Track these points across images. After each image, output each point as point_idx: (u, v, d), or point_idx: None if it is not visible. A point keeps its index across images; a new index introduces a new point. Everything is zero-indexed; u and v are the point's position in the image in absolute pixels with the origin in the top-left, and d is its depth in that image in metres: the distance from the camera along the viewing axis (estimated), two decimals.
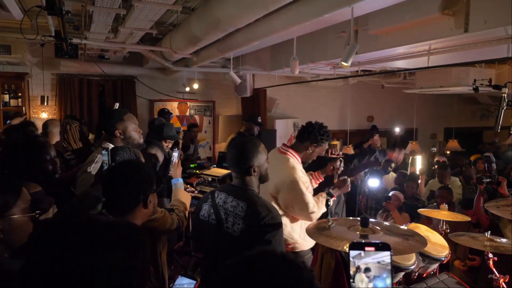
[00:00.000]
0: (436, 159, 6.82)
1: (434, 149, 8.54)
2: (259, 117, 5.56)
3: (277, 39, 4.06)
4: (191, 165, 5.83)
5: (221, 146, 7.17)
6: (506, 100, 2.07)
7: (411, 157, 7.13)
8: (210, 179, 4.79)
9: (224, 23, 3.07)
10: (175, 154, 2.63)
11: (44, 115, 6.06)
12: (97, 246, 0.82)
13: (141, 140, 2.62)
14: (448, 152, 8.23)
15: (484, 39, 3.25)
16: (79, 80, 6.36)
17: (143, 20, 3.75)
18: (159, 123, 3.56)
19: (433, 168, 6.58)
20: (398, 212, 4.15)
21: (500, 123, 2.07)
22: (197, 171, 5.19)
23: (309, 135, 2.57)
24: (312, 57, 4.62)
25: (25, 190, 1.31)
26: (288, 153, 2.58)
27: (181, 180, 2.53)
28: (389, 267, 1.03)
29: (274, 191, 2.46)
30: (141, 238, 0.93)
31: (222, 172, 4.80)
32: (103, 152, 2.06)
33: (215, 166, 5.17)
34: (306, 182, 2.52)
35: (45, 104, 6.11)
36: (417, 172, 6.47)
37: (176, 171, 2.54)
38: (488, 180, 3.71)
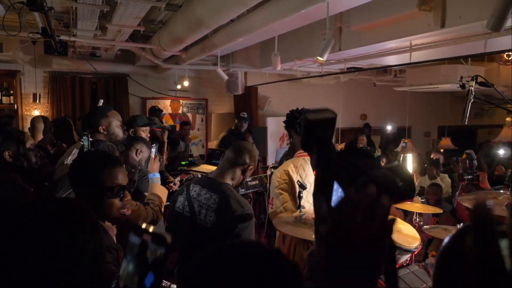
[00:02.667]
0: (431, 156, 6.86)
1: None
2: (242, 112, 5.64)
3: (262, 37, 4.10)
4: (182, 163, 5.86)
5: (214, 144, 7.21)
6: (473, 93, 2.11)
7: (402, 155, 7.17)
8: (199, 175, 4.83)
9: (205, 21, 3.12)
10: (153, 150, 2.69)
11: (36, 113, 6.11)
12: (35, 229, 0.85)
13: (124, 136, 2.69)
14: (442, 150, 8.27)
15: (462, 35, 3.29)
16: (71, 78, 6.40)
17: (129, 17, 3.79)
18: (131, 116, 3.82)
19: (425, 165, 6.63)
20: (393, 206, 4.18)
21: (467, 116, 2.11)
22: (187, 167, 5.23)
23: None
24: (299, 54, 4.66)
25: None
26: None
27: (158, 175, 2.57)
28: None
29: None
30: (80, 220, 0.96)
31: (211, 168, 4.83)
32: (84, 137, 2.13)
33: (204, 162, 5.23)
34: None
35: (37, 101, 6.15)
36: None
37: (153, 166, 2.58)
38: (469, 177, 3.75)
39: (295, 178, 2.49)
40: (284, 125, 2.63)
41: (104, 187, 1.64)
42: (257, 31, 3.28)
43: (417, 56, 4.04)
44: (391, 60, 4.85)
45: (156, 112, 6.24)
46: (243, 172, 2.10)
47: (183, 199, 2.10)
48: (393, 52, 4.11)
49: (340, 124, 8.54)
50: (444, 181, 5.63)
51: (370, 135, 8.56)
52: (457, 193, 4.29)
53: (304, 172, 2.51)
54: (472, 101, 2.11)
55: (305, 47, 4.61)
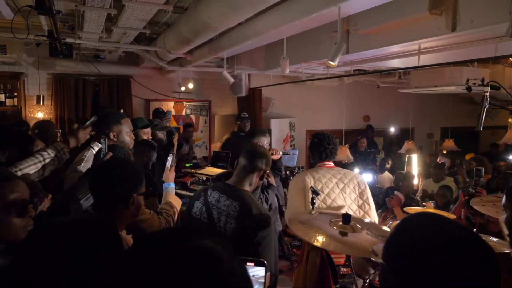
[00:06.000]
0: (437, 160, 6.83)
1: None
2: (243, 112, 5.65)
3: (269, 39, 4.08)
4: (186, 165, 5.85)
5: (217, 146, 7.19)
6: (489, 99, 2.09)
7: (407, 156, 7.16)
8: (204, 178, 4.81)
9: (212, 24, 3.10)
10: (169, 159, 2.68)
11: (40, 115, 6.09)
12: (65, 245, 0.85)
13: (132, 145, 2.71)
14: (444, 152, 8.25)
15: (472, 39, 3.27)
16: (75, 80, 6.38)
17: (136, 19, 3.77)
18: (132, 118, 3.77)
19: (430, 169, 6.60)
20: (400, 209, 4.17)
21: (482, 122, 2.09)
22: (192, 170, 5.21)
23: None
24: (305, 56, 4.64)
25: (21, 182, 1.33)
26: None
27: (172, 185, 2.56)
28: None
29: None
30: (107, 235, 0.96)
31: (216, 171, 4.82)
32: (102, 140, 2.13)
33: (209, 165, 5.20)
34: None
35: (41, 103, 6.13)
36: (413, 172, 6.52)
37: (168, 176, 2.57)
38: (473, 191, 3.76)
39: (309, 184, 2.50)
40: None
41: (120, 199, 1.63)
42: (265, 34, 3.26)
43: (425, 59, 4.02)
44: (398, 62, 4.83)
45: (160, 114, 6.23)
46: (261, 178, 2.11)
47: (201, 205, 2.07)
48: (401, 55, 4.10)
49: (343, 125, 8.53)
50: (449, 184, 5.59)
51: (373, 137, 8.55)
52: (455, 206, 4.28)
53: (320, 182, 2.55)
54: (487, 107, 2.09)
55: (311, 50, 4.60)
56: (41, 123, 3.99)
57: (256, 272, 1.39)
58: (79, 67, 6.27)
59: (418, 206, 4.68)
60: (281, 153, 3.45)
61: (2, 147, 2.19)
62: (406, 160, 7.23)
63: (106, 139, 2.11)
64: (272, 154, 3.36)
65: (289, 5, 2.76)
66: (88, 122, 2.37)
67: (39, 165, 2.13)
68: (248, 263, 1.40)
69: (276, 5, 2.80)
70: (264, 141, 3.28)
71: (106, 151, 2.08)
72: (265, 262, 1.39)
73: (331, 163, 2.72)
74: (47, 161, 2.16)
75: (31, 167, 2.09)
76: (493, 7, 2.59)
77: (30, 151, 2.41)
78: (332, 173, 2.60)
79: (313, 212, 2.06)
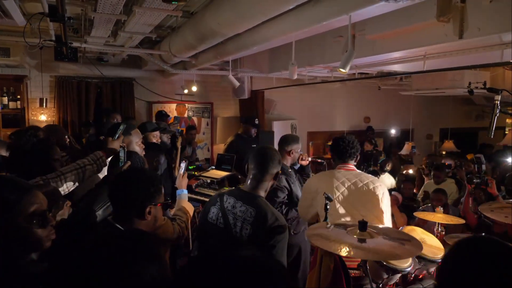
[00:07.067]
0: (442, 161, 6.87)
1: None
2: (256, 119, 5.60)
3: (276, 43, 4.11)
4: (190, 167, 5.87)
5: (219, 148, 7.22)
6: (499, 107, 2.13)
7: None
8: (209, 181, 4.83)
9: (220, 31, 3.13)
10: (182, 166, 2.71)
11: (43, 118, 6.09)
12: (124, 260, 0.90)
13: (142, 154, 2.76)
14: (443, 153, 8.32)
15: (478, 45, 3.32)
16: (78, 83, 6.39)
17: (143, 24, 3.79)
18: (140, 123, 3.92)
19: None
20: (397, 208, 4.22)
21: (494, 129, 2.14)
22: (196, 172, 5.23)
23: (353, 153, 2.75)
24: (310, 60, 4.68)
25: (39, 192, 1.35)
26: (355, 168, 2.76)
27: (185, 191, 2.59)
28: None
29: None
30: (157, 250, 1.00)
31: (221, 174, 4.85)
32: (120, 149, 2.19)
33: (213, 168, 5.22)
34: None
35: (44, 106, 6.14)
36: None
37: (181, 183, 2.60)
38: (478, 181, 3.79)
39: (317, 187, 2.55)
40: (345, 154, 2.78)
41: (136, 210, 1.67)
42: (274, 40, 3.29)
43: (429, 63, 4.07)
44: (401, 66, 4.88)
45: (163, 117, 6.25)
46: (274, 179, 2.14)
47: (217, 210, 2.11)
48: (407, 60, 4.14)
49: (344, 127, 8.59)
50: (450, 186, 5.64)
51: (373, 138, 8.61)
52: (463, 199, 4.32)
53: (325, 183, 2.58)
54: (498, 114, 2.13)
55: (316, 53, 4.63)
56: (48, 128, 3.99)
57: None
58: (82, 70, 6.28)
59: (419, 206, 4.76)
60: (309, 159, 3.49)
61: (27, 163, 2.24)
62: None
63: (125, 148, 2.14)
64: (302, 159, 3.41)
65: (299, 13, 2.79)
66: (119, 131, 2.41)
67: (80, 172, 2.19)
68: None
69: (287, 12, 2.83)
70: (298, 149, 3.33)
71: (125, 160, 2.12)
72: None
73: (350, 166, 2.74)
74: (87, 168, 2.22)
75: (73, 174, 2.15)
76: (499, 15, 2.63)
77: (51, 158, 2.45)
78: (348, 176, 2.63)
79: (328, 226, 2.10)
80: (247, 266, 0.73)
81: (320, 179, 2.73)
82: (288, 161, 3.27)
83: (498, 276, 0.79)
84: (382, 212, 2.52)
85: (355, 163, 2.77)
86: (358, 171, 2.74)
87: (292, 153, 3.26)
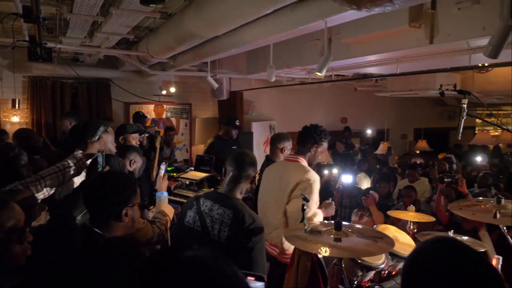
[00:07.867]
0: (413, 160, 7.10)
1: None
2: (237, 121, 5.62)
3: (255, 46, 4.15)
4: (168, 168, 5.84)
5: (198, 149, 7.20)
6: (466, 110, 2.24)
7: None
8: (187, 182, 4.82)
9: (199, 34, 3.15)
10: (162, 167, 2.70)
11: (16, 119, 5.92)
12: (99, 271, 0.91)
13: (114, 153, 2.73)
14: (418, 152, 8.59)
15: (448, 50, 3.46)
16: (52, 83, 6.23)
17: (121, 25, 3.76)
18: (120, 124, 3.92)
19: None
20: (375, 207, 4.34)
21: (461, 131, 2.25)
22: (174, 174, 5.21)
23: (308, 138, 2.78)
24: (288, 63, 4.74)
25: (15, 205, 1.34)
26: (299, 159, 2.84)
27: (165, 194, 2.58)
28: None
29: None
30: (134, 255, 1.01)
31: (199, 175, 4.84)
32: (99, 153, 2.15)
33: (192, 169, 5.21)
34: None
35: (17, 107, 5.96)
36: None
37: (161, 185, 2.60)
38: (449, 180, 3.95)
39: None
40: (298, 140, 2.95)
41: (112, 212, 1.67)
42: (252, 43, 3.33)
43: (402, 66, 4.21)
44: (376, 69, 5.01)
45: (141, 118, 6.19)
46: (250, 182, 2.19)
47: (194, 214, 2.12)
48: (381, 63, 4.27)
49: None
50: (424, 184, 5.84)
51: (350, 138, 8.78)
52: (435, 196, 4.50)
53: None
54: (465, 117, 2.24)
55: (294, 56, 4.70)
56: (21, 132, 3.90)
57: (257, 286, 1.50)
58: (57, 70, 6.14)
59: (394, 205, 4.91)
60: None
61: None
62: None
63: (103, 153, 2.12)
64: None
65: (277, 17, 2.84)
66: (99, 132, 2.41)
67: (60, 175, 2.16)
68: (248, 278, 1.50)
69: (265, 16, 2.88)
70: (289, 146, 3.46)
71: (104, 164, 2.10)
72: (264, 276, 1.47)
73: (294, 156, 2.90)
74: (67, 170, 2.19)
75: (52, 178, 2.12)
76: (468, 22, 2.76)
77: (15, 162, 2.40)
78: (281, 166, 2.81)
79: (305, 227, 2.16)
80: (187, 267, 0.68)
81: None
82: (280, 158, 3.43)
83: (451, 275, 0.86)
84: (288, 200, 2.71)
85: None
86: (288, 161, 2.92)
87: (284, 150, 3.45)
